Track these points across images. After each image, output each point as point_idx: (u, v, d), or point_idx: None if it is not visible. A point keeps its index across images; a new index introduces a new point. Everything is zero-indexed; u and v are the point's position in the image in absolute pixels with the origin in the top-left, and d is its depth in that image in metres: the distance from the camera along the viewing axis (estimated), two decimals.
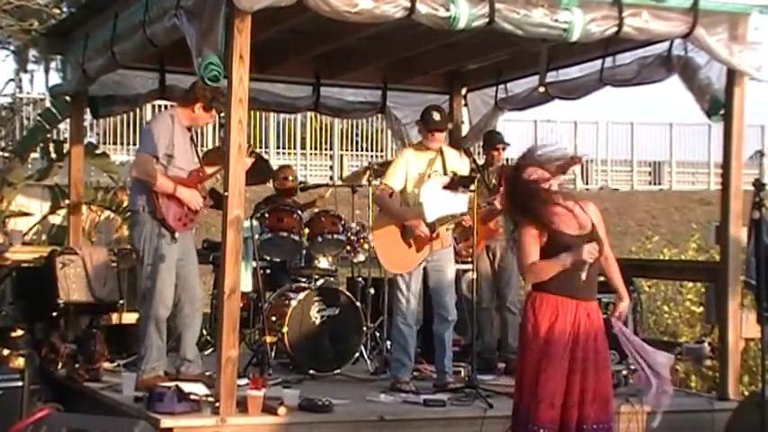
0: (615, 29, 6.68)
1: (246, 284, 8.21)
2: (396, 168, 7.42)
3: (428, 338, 8.60)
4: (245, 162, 6.32)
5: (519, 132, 23.06)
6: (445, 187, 7.34)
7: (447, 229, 7.43)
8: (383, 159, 20.09)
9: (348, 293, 8.36)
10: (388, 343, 7.94)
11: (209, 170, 7.16)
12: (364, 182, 8.62)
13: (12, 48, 15.51)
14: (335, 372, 7.97)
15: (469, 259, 8.21)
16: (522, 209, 5.51)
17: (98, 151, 12.70)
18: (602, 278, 7.84)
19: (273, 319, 8.09)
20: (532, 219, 5.46)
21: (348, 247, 8.61)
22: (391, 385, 7.27)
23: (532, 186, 5.44)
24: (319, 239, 8.50)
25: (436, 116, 7.41)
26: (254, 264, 7.78)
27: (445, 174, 7.36)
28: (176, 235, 6.97)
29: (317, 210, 9.00)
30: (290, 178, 9.48)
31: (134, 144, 17.55)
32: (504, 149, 8.61)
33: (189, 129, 7.20)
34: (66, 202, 9.89)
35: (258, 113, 18.04)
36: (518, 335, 5.76)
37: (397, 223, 7.35)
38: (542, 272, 5.45)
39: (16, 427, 5.49)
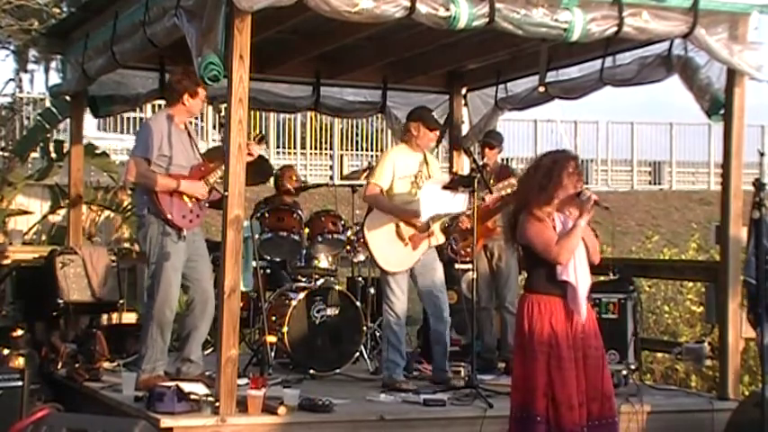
0: (615, 29, 6.68)
1: (246, 284, 8.21)
2: (384, 167, 7.41)
3: (428, 338, 8.58)
4: (253, 152, 6.33)
5: (519, 132, 23.10)
6: (445, 187, 7.35)
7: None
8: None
9: (348, 293, 8.37)
10: None
11: (210, 177, 7.10)
12: (363, 181, 8.61)
13: (12, 48, 15.45)
14: (335, 372, 7.97)
15: (468, 259, 8.21)
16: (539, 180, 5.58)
17: (98, 151, 12.68)
18: (601, 278, 7.88)
19: (273, 318, 8.09)
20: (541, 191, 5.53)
21: (348, 247, 8.61)
22: (389, 386, 7.22)
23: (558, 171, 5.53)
24: (319, 239, 8.50)
25: (434, 115, 7.47)
26: (254, 264, 7.76)
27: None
28: (184, 233, 6.94)
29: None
30: (294, 178, 9.46)
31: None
32: (491, 149, 8.55)
33: (186, 127, 7.18)
34: (66, 201, 9.88)
35: (258, 113, 18.01)
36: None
37: (392, 221, 7.35)
38: (568, 244, 5.47)
39: (16, 427, 5.48)
